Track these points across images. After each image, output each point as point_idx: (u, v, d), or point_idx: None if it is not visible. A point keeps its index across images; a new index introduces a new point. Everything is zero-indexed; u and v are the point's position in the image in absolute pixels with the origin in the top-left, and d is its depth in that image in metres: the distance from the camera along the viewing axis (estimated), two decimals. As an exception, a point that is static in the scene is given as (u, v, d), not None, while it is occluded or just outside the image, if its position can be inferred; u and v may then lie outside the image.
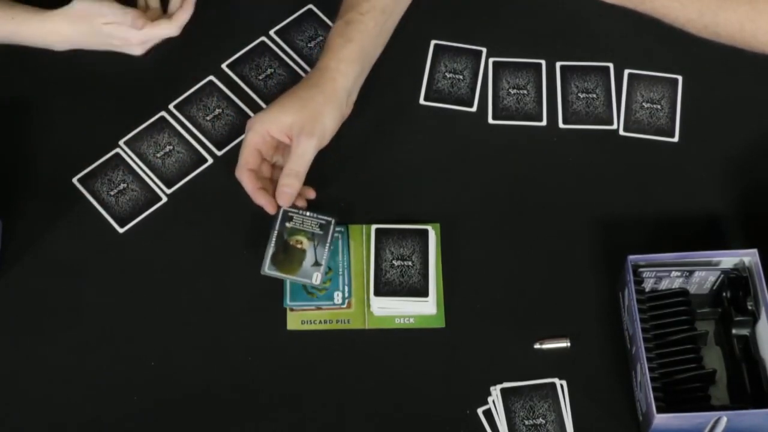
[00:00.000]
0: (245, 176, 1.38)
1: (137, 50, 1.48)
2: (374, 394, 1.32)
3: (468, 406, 1.30)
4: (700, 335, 1.31)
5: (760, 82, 1.47)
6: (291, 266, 1.35)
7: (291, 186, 1.37)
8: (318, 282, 1.34)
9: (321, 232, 1.37)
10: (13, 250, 1.39)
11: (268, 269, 1.35)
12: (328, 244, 1.36)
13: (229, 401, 1.31)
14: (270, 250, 1.35)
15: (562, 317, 1.35)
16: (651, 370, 1.25)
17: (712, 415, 1.22)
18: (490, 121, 1.47)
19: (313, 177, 1.43)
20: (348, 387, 1.32)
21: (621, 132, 1.45)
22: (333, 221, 1.37)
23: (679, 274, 1.31)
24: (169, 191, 1.43)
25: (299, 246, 1.36)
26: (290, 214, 1.37)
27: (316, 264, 1.35)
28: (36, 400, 1.32)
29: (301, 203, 1.39)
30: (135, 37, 1.47)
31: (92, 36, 1.46)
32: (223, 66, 1.50)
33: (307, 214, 1.37)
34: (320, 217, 1.37)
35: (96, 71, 1.50)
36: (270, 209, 1.38)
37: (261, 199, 1.38)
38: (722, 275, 1.31)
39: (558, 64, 1.50)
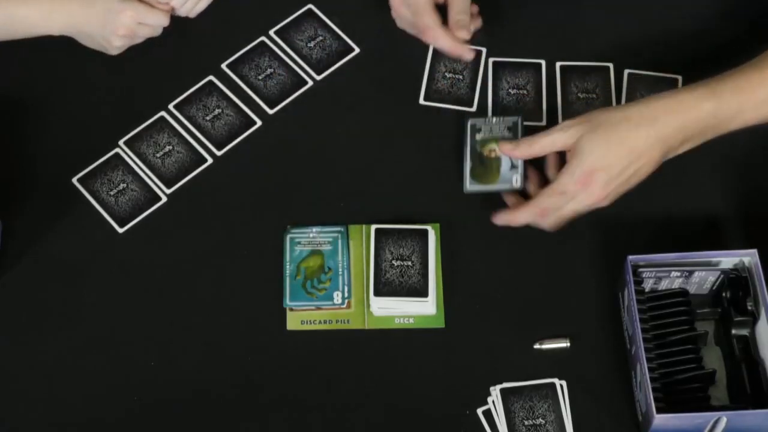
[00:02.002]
0: (441, 33, 1.43)
1: (117, 42, 1.46)
2: (374, 395, 1.32)
3: (468, 406, 1.30)
4: (699, 335, 1.31)
5: (760, 82, 1.47)
6: (490, 176, 1.38)
7: (465, 19, 1.42)
8: (518, 185, 1.37)
9: (510, 135, 1.40)
10: (13, 250, 1.39)
11: (470, 186, 1.38)
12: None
13: (229, 401, 1.31)
14: (467, 166, 1.39)
15: (562, 317, 1.35)
16: (651, 370, 1.25)
17: (711, 416, 1.22)
18: (490, 121, 1.47)
19: (313, 176, 1.44)
20: (348, 387, 1.32)
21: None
22: (519, 118, 1.40)
23: (678, 274, 1.31)
24: (168, 191, 1.43)
25: (493, 154, 1.39)
26: (478, 125, 1.40)
27: (513, 167, 1.38)
28: (36, 400, 1.32)
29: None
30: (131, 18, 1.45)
31: (99, 22, 1.45)
32: (223, 66, 1.50)
33: (494, 120, 1.41)
34: (506, 118, 1.41)
35: (96, 71, 1.50)
36: (460, 51, 1.43)
37: (458, 47, 1.43)
38: (722, 275, 1.31)
39: (558, 64, 1.50)
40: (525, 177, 1.38)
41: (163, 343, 1.35)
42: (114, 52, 1.48)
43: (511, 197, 1.39)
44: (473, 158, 1.40)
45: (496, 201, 1.41)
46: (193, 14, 1.51)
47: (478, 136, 1.41)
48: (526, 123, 1.45)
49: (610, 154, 1.30)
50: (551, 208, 1.33)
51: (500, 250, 1.39)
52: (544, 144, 1.34)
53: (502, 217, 1.37)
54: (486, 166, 1.40)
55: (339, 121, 1.47)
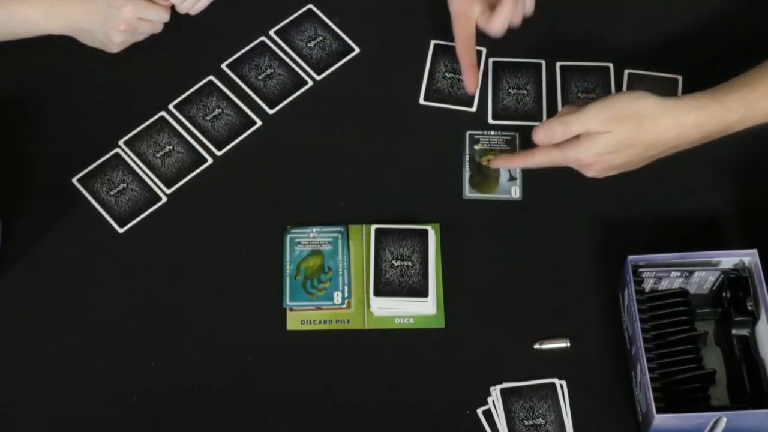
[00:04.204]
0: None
1: (118, 39, 1.46)
2: (374, 395, 1.32)
3: (468, 407, 1.30)
4: (699, 335, 1.31)
5: (760, 82, 1.47)
6: (489, 185, 1.41)
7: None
8: (517, 195, 1.39)
9: (509, 148, 1.42)
10: (13, 250, 1.39)
11: (468, 193, 1.39)
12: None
13: (229, 401, 1.31)
14: (466, 174, 1.40)
15: (561, 317, 1.35)
16: (651, 370, 1.25)
17: (712, 416, 1.22)
18: (490, 121, 1.47)
19: (313, 176, 1.44)
20: (348, 387, 1.32)
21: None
22: (517, 134, 1.42)
23: (678, 274, 1.31)
24: (168, 191, 1.43)
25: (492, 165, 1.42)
26: (476, 136, 1.42)
27: (512, 179, 1.40)
28: (36, 400, 1.32)
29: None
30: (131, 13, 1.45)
31: (99, 18, 1.45)
32: (223, 66, 1.50)
33: (491, 132, 1.42)
34: (504, 133, 1.42)
35: (96, 71, 1.50)
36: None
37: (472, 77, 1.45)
38: (722, 275, 1.31)
39: (558, 64, 1.50)
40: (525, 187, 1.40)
41: (163, 343, 1.35)
42: (115, 49, 1.48)
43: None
44: (471, 167, 1.41)
45: (495, 201, 1.41)
46: (194, 11, 1.51)
47: (477, 146, 1.42)
48: (525, 123, 1.46)
49: (624, 145, 1.32)
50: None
51: (500, 250, 1.39)
52: (576, 130, 1.33)
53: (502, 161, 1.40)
54: (485, 176, 1.41)
55: (339, 121, 1.47)
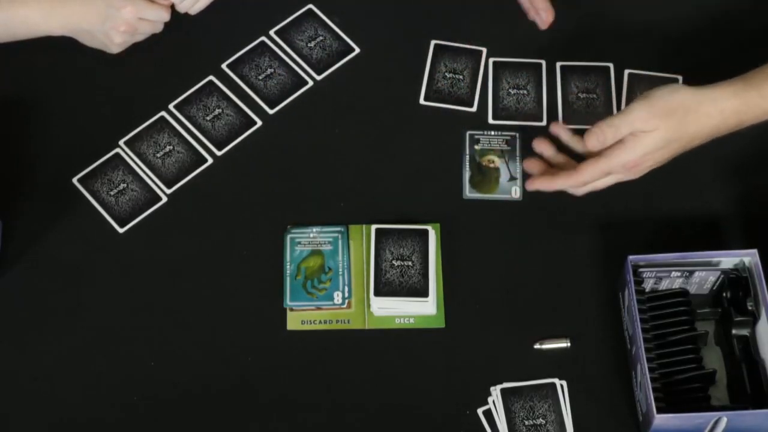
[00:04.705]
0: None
1: (118, 39, 1.46)
2: (374, 395, 1.32)
3: (468, 407, 1.30)
4: (700, 335, 1.31)
5: (760, 82, 1.47)
6: (489, 185, 1.40)
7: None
8: (518, 196, 1.39)
9: (509, 148, 1.42)
10: (13, 250, 1.39)
11: (468, 193, 1.39)
12: (518, 157, 1.41)
13: (229, 401, 1.31)
14: (466, 175, 1.40)
15: (562, 317, 1.35)
16: (651, 370, 1.25)
17: (712, 416, 1.22)
18: (490, 121, 1.47)
19: (313, 176, 1.44)
20: (348, 387, 1.32)
21: (621, 132, 1.45)
22: (517, 134, 1.42)
23: (679, 274, 1.31)
24: (169, 191, 1.43)
25: (492, 165, 1.41)
26: (476, 136, 1.42)
27: (512, 179, 1.40)
28: (36, 400, 1.32)
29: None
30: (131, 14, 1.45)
31: (99, 19, 1.45)
32: (223, 66, 1.50)
33: (492, 132, 1.42)
34: (504, 133, 1.42)
35: (96, 71, 1.50)
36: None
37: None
38: (722, 275, 1.31)
39: (558, 64, 1.50)
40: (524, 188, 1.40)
41: (163, 343, 1.35)
42: (115, 49, 1.48)
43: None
44: (472, 167, 1.41)
45: (495, 201, 1.41)
46: (193, 11, 1.51)
47: (477, 147, 1.42)
48: (525, 123, 1.46)
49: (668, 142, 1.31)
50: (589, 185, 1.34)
51: (500, 250, 1.39)
52: (624, 131, 1.31)
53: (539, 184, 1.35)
54: (485, 176, 1.41)
55: (339, 121, 1.47)
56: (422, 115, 1.47)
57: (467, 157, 1.43)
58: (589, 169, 1.32)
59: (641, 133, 1.30)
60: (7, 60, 1.48)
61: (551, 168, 1.37)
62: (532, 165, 1.37)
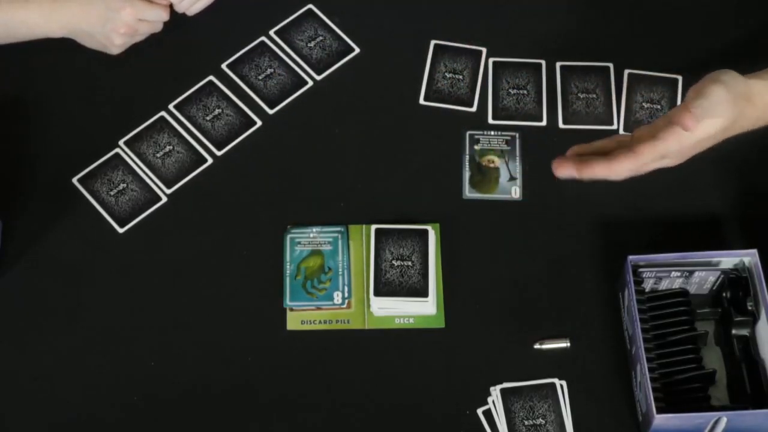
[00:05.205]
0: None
1: (118, 41, 1.46)
2: (374, 395, 1.32)
3: (468, 407, 1.30)
4: (700, 335, 1.31)
5: (760, 82, 1.46)
6: (489, 185, 1.40)
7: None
8: (517, 196, 1.39)
9: (509, 148, 1.42)
10: (13, 250, 1.39)
11: (468, 193, 1.39)
12: (518, 157, 1.41)
13: (229, 401, 1.31)
14: (466, 174, 1.40)
15: (562, 317, 1.35)
16: (651, 370, 1.25)
17: (712, 416, 1.22)
18: (490, 121, 1.47)
19: (313, 176, 1.44)
20: (348, 387, 1.32)
21: (621, 132, 1.45)
22: (517, 134, 1.41)
23: (679, 274, 1.31)
24: (168, 191, 1.43)
25: (492, 165, 1.41)
26: (476, 136, 1.42)
27: (512, 179, 1.40)
28: (36, 400, 1.32)
29: None
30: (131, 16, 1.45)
31: (99, 21, 1.45)
32: (223, 66, 1.50)
33: (491, 132, 1.42)
34: (504, 133, 1.42)
35: (96, 71, 1.50)
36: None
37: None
38: (722, 275, 1.31)
39: (558, 64, 1.50)
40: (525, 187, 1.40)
41: (163, 342, 1.35)
42: (115, 51, 1.48)
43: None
44: (471, 167, 1.41)
45: (495, 201, 1.41)
46: (191, 12, 1.51)
47: (477, 147, 1.42)
48: (525, 123, 1.46)
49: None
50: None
51: (500, 250, 1.39)
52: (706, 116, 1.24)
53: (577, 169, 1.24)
54: (485, 176, 1.41)
55: (339, 121, 1.47)
56: (422, 115, 1.47)
57: (467, 157, 1.43)
58: (647, 151, 1.23)
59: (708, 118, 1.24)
60: (7, 60, 1.48)
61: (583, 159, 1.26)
62: (565, 166, 1.25)
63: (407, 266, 1.35)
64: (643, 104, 1.47)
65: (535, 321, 1.35)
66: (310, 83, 1.50)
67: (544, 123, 1.46)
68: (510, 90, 1.48)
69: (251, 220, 1.41)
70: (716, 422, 1.23)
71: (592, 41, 1.51)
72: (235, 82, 1.49)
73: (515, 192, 1.41)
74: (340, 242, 1.39)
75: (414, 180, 1.43)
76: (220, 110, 1.48)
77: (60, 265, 1.39)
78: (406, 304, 1.34)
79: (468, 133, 1.45)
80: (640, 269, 1.30)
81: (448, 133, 1.46)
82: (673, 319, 1.30)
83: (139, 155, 1.45)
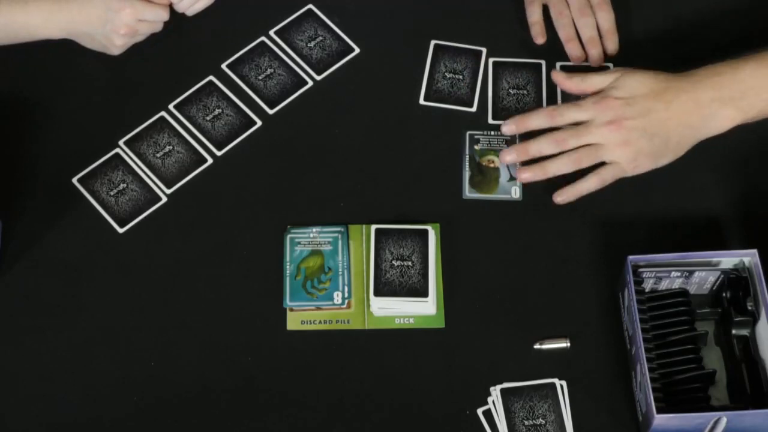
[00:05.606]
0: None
1: (118, 41, 1.46)
2: (374, 395, 1.32)
3: (468, 407, 1.30)
4: (700, 335, 1.31)
5: (760, 82, 1.47)
6: (489, 185, 1.41)
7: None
8: (518, 195, 1.39)
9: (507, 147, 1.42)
10: (13, 250, 1.39)
11: (468, 193, 1.39)
12: None
13: (229, 401, 1.31)
14: (466, 174, 1.40)
15: (561, 317, 1.35)
16: (651, 370, 1.25)
17: (712, 416, 1.22)
18: (490, 121, 1.47)
19: (313, 176, 1.44)
20: (348, 387, 1.32)
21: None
22: (517, 135, 1.42)
23: (679, 274, 1.31)
24: (168, 191, 1.43)
25: (492, 165, 1.42)
26: (476, 136, 1.42)
27: (512, 179, 1.40)
28: (36, 400, 1.32)
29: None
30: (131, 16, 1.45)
31: (100, 22, 1.45)
32: (223, 66, 1.50)
33: (491, 132, 1.43)
34: (503, 134, 1.42)
35: (96, 71, 1.50)
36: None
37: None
38: (722, 275, 1.31)
39: (558, 64, 1.50)
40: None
41: (163, 342, 1.35)
42: (116, 51, 1.48)
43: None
44: (472, 167, 1.41)
45: (495, 201, 1.41)
46: (191, 12, 1.51)
47: (477, 147, 1.42)
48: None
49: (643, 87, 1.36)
50: (565, 116, 1.37)
51: (500, 250, 1.39)
52: (595, 82, 1.38)
53: (515, 121, 1.40)
54: (485, 176, 1.41)
55: (339, 121, 1.47)
56: (422, 115, 1.47)
57: (467, 157, 1.43)
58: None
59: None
60: (7, 60, 1.48)
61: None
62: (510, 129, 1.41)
63: (407, 266, 1.35)
64: (643, 104, 1.47)
65: (535, 321, 1.35)
66: (310, 83, 1.50)
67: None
68: (510, 90, 1.48)
69: (251, 220, 1.41)
70: (716, 422, 1.23)
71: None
72: (235, 82, 1.49)
73: (515, 192, 1.41)
74: (340, 242, 1.39)
75: (414, 180, 1.43)
76: (220, 110, 1.48)
77: (60, 265, 1.39)
78: (406, 304, 1.34)
79: (468, 133, 1.45)
80: (640, 269, 1.30)
81: (448, 133, 1.46)
82: (673, 319, 1.30)
83: (139, 155, 1.45)
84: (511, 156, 1.39)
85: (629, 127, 1.34)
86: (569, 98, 1.47)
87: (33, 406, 1.32)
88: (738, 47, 1.38)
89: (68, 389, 1.32)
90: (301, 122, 1.47)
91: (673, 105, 1.35)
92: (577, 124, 1.37)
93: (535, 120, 1.39)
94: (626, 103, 1.35)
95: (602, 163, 1.37)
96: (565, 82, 1.42)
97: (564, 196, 1.38)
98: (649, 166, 1.37)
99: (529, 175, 1.38)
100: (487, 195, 1.41)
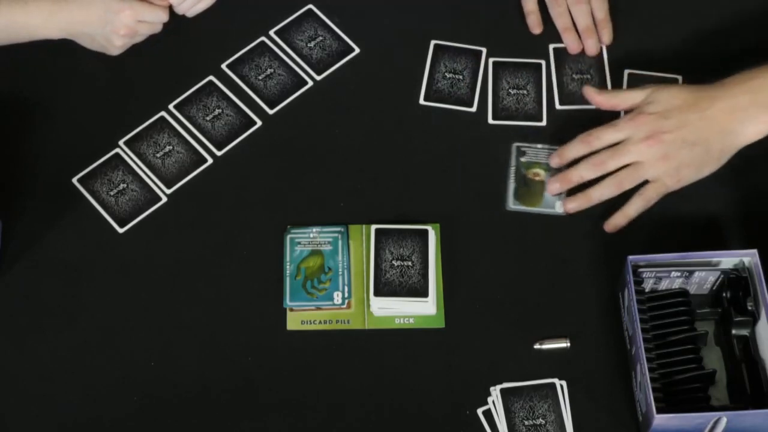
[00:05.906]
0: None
1: (118, 42, 1.46)
2: (374, 395, 1.32)
3: (468, 407, 1.30)
4: (699, 335, 1.31)
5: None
6: (533, 198, 1.39)
7: None
8: (561, 210, 1.38)
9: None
10: (13, 250, 1.39)
11: (512, 204, 1.38)
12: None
13: (229, 401, 1.31)
14: (511, 186, 1.40)
15: (561, 317, 1.35)
16: (651, 370, 1.25)
17: (712, 416, 1.22)
18: (490, 121, 1.47)
19: (313, 176, 1.44)
20: (348, 387, 1.32)
21: (621, 132, 1.45)
22: (557, 147, 1.40)
23: (679, 274, 1.31)
24: (168, 191, 1.43)
25: (537, 178, 1.40)
26: (522, 148, 1.41)
27: (558, 193, 1.39)
28: (36, 400, 1.32)
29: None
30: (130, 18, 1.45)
31: (99, 23, 1.45)
32: (223, 66, 1.50)
33: (539, 146, 1.42)
34: (551, 147, 1.41)
35: (96, 71, 1.50)
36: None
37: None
38: (722, 275, 1.31)
39: (551, 46, 1.50)
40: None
41: (163, 342, 1.35)
42: (115, 52, 1.48)
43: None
44: (517, 179, 1.40)
45: (496, 201, 1.41)
46: (190, 14, 1.51)
47: (523, 159, 1.42)
48: (525, 123, 1.46)
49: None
50: (601, 139, 1.36)
51: (500, 250, 1.39)
52: (627, 98, 1.38)
53: (558, 154, 1.39)
54: (530, 188, 1.41)
55: (339, 121, 1.47)
56: (422, 115, 1.47)
57: (513, 168, 1.42)
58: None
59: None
60: (7, 60, 1.48)
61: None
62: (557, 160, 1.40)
63: (407, 266, 1.35)
64: (643, 104, 1.47)
65: (535, 321, 1.35)
66: (310, 83, 1.50)
67: (543, 123, 1.46)
68: (510, 90, 1.48)
69: (251, 220, 1.41)
70: (716, 422, 1.23)
71: (592, 41, 1.51)
72: (235, 82, 1.49)
73: (559, 206, 1.39)
74: (340, 242, 1.39)
75: (414, 180, 1.43)
76: (220, 110, 1.48)
77: (60, 265, 1.39)
78: (406, 304, 1.34)
79: (515, 145, 1.44)
80: (640, 269, 1.30)
81: (448, 133, 1.46)
82: (673, 319, 1.30)
83: (139, 155, 1.45)
84: (554, 186, 1.38)
85: (667, 140, 1.33)
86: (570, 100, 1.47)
87: (33, 406, 1.32)
88: (756, 56, 1.38)
89: (68, 389, 1.32)
90: (301, 122, 1.47)
91: (709, 113, 1.33)
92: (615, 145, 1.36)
93: (573, 150, 1.37)
94: (661, 116, 1.33)
95: (645, 182, 1.36)
96: (596, 97, 1.40)
97: (611, 225, 1.37)
98: (693, 177, 1.35)
99: (574, 205, 1.37)
100: (532, 208, 1.40)
